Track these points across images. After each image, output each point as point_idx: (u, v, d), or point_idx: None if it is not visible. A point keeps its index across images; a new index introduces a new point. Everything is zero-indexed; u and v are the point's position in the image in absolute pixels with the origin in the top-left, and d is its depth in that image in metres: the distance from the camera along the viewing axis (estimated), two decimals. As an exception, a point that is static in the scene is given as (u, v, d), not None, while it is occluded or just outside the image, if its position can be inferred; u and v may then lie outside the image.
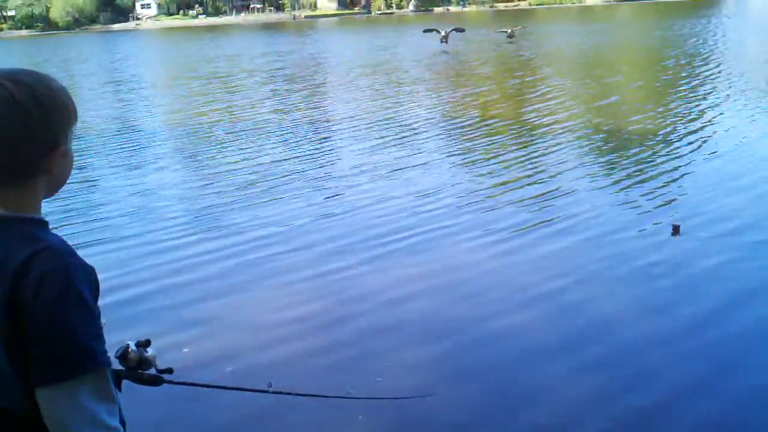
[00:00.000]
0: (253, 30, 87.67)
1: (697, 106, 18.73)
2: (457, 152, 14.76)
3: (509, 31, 39.59)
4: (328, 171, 13.56)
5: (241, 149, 15.98)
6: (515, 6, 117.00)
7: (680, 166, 12.52)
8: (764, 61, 27.92)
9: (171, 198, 12.12)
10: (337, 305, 7.64)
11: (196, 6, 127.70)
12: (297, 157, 14.89)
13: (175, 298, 7.91)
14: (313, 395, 5.19)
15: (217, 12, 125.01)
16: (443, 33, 34.71)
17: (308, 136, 17.29)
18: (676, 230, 9.16)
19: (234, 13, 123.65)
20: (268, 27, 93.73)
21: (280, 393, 4.57)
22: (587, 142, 15.06)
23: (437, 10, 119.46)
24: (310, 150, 15.63)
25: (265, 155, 15.12)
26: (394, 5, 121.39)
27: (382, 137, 16.43)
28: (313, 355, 6.60)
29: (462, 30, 38.30)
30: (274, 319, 7.40)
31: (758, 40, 39.16)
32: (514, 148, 14.81)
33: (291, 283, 8.22)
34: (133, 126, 20.36)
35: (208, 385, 4.00)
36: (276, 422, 5.57)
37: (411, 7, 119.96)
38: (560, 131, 16.14)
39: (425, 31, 39.52)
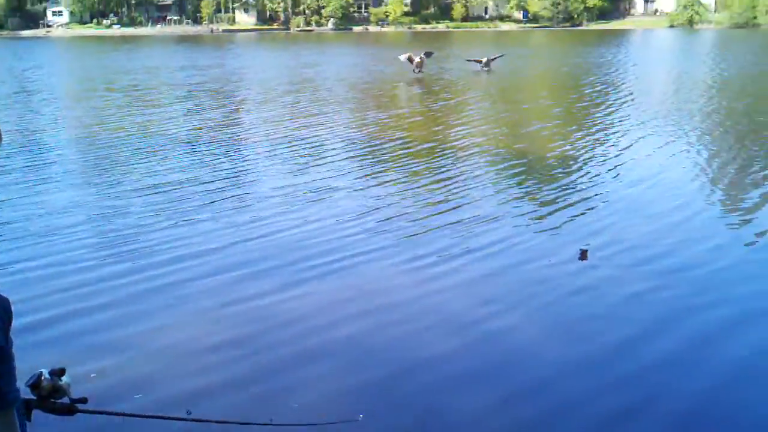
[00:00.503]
0: (170, 42, 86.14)
1: (611, 133, 19.34)
2: (379, 175, 14.72)
3: (484, 60, 35.93)
4: (250, 191, 13.32)
5: (159, 167, 15.54)
6: (433, 28, 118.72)
7: (597, 193, 12.85)
8: (673, 91, 29.21)
9: (82, 217, 11.62)
10: (257, 331, 7.49)
11: (111, 15, 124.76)
12: (217, 176, 14.58)
13: (89, 324, 7.59)
14: (233, 422, 4.99)
15: (132, 23, 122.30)
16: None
17: (229, 155, 17.00)
18: (583, 255, 9.42)
19: (150, 24, 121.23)
20: (186, 40, 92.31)
21: (199, 421, 4.48)
22: (507, 168, 15.25)
23: (356, 29, 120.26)
24: (231, 169, 15.36)
25: (184, 173, 14.74)
26: (313, 23, 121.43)
27: (305, 157, 16.33)
28: (233, 382, 6.46)
29: (431, 53, 36.25)
30: (193, 346, 7.19)
31: (665, 69, 40.95)
32: (435, 171, 14.89)
33: (209, 309, 8.00)
34: (42, 140, 19.55)
35: (124, 414, 3.86)
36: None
37: (330, 25, 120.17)
38: (480, 156, 16.37)
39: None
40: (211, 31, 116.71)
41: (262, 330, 7.54)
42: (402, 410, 6.05)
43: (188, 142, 18.56)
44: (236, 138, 19.40)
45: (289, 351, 7.00)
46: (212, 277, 8.91)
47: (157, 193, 13.09)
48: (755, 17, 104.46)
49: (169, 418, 4.02)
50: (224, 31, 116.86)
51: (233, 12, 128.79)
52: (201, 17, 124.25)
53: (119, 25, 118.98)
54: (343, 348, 7.11)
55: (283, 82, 35.06)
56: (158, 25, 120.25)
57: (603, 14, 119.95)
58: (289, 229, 10.84)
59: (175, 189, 13.39)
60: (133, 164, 15.92)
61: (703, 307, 7.90)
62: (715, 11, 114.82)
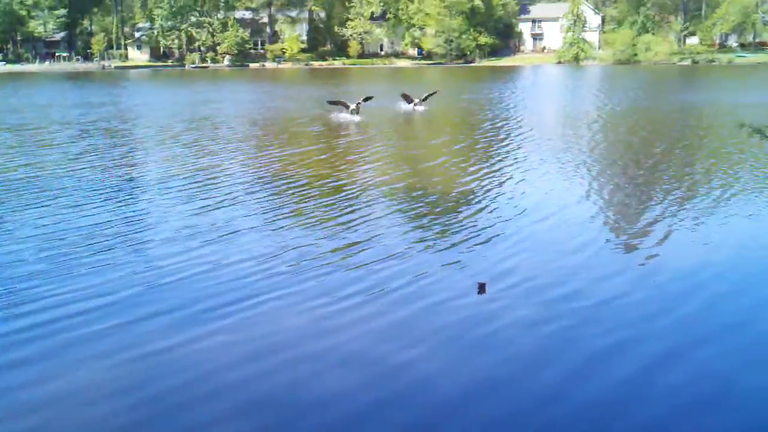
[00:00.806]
0: (60, 79, 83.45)
1: (509, 167, 19.86)
2: (289, 214, 14.53)
3: (416, 100, 34.72)
4: (154, 234, 12.88)
5: (53, 211, 14.79)
6: (329, 65, 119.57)
7: (495, 228, 13.11)
8: (565, 125, 30.28)
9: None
10: (154, 377, 7.36)
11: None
12: (119, 219, 14.07)
13: None
14: None
15: (19, 59, 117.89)
16: (353, 106, 30.11)
17: (132, 196, 16.47)
18: (482, 289, 9.72)
19: (38, 60, 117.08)
20: (77, 77, 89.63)
21: None
22: (409, 204, 15.35)
23: (253, 65, 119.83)
24: (133, 211, 14.85)
25: (84, 217, 14.14)
26: (209, 59, 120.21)
27: (211, 197, 15.98)
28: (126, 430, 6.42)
29: (370, 98, 33.18)
30: (85, 396, 7.01)
31: (557, 103, 42.56)
32: (338, 209, 14.85)
33: (115, 365, 7.67)
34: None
35: None
36: None
37: (226, 62, 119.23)
38: (384, 193, 16.45)
39: (330, 102, 33.84)
40: (103, 67, 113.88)
41: (160, 376, 7.41)
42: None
43: (84, 184, 17.79)
44: (139, 178, 18.88)
45: (187, 397, 6.96)
46: (118, 327, 8.59)
47: (56, 238, 12.51)
48: (636, 54, 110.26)
49: None
50: (116, 67, 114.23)
51: (125, 48, 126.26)
52: (92, 54, 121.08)
53: (5, 62, 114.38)
54: (243, 391, 7.08)
55: (182, 120, 34.33)
56: (46, 62, 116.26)
57: (494, 51, 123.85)
58: (199, 274, 10.59)
59: (77, 233, 12.86)
60: (28, 208, 15.13)
61: (593, 336, 8.34)
62: (599, 48, 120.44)
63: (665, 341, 8.17)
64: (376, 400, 6.95)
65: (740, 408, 6.87)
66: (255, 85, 68.22)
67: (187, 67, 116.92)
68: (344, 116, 27.61)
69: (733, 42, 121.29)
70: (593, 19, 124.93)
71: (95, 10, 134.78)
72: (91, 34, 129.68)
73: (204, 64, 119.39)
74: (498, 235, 12.54)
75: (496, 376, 7.43)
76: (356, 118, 27.04)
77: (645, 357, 7.78)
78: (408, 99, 30.20)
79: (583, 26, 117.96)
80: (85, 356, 7.84)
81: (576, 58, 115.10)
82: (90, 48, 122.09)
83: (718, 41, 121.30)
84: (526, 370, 7.58)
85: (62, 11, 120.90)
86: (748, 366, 7.65)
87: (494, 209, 14.66)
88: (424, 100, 27.16)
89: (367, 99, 28.44)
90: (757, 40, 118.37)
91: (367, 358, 7.85)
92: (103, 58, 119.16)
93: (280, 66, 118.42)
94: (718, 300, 9.53)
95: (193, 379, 7.32)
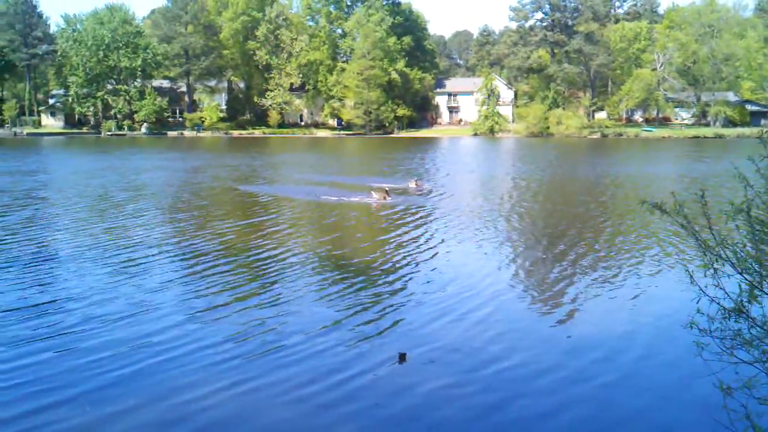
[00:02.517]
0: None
1: (426, 237, 20.19)
2: (198, 287, 14.33)
3: (413, 185, 33.59)
4: (56, 307, 12.56)
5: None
6: (249, 134, 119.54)
7: (415, 298, 13.37)
8: (482, 193, 30.85)
9: None
10: None
11: None
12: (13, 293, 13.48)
13: None
14: None
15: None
16: (388, 197, 27.75)
17: (31, 268, 15.82)
18: (402, 358, 9.95)
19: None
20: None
21: None
22: (328, 277, 15.32)
23: (171, 133, 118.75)
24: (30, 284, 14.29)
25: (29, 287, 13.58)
26: (126, 127, 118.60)
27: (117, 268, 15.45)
28: None
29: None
30: None
31: (473, 173, 43.42)
32: (256, 280, 14.78)
33: None
34: None
35: None
36: None
37: (144, 130, 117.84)
38: (303, 266, 16.32)
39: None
40: (15, 134, 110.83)
41: None
42: None
43: (25, 255, 17.22)
44: (69, 250, 18.18)
45: None
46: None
47: None
48: (548, 127, 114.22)
49: None
50: (29, 134, 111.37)
51: (39, 115, 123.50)
52: (3, 120, 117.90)
53: None
54: None
55: (120, 188, 33.49)
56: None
57: (412, 123, 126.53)
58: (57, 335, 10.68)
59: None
60: None
61: (498, 403, 8.68)
62: (513, 122, 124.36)
63: (535, 400, 8.69)
64: None
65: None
66: (181, 153, 67.31)
67: (103, 135, 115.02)
68: (376, 198, 27.62)
69: (639, 117, 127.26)
70: (506, 94, 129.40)
71: (7, 76, 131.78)
72: (2, 100, 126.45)
73: (121, 132, 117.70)
74: (416, 305, 12.79)
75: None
76: (388, 201, 27.07)
77: (517, 414, 8.31)
78: (377, 190, 29.43)
79: (497, 100, 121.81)
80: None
81: (491, 131, 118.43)
82: (1, 114, 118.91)
83: (625, 116, 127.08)
84: (410, 424, 7.95)
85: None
86: (608, 426, 8.17)
87: (413, 279, 14.89)
88: (387, 193, 27.47)
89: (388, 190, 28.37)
90: (660, 115, 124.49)
91: (277, 426, 7.96)
92: (14, 125, 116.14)
93: (199, 134, 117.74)
94: (587, 364, 9.99)
95: None
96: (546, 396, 8.81)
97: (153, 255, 17.09)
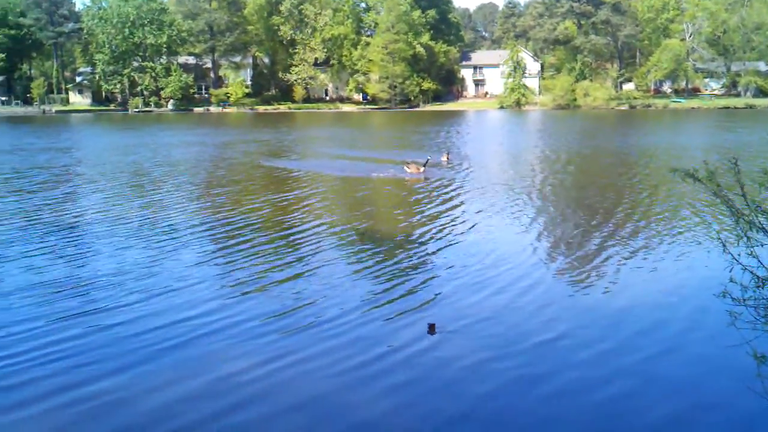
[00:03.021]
0: (4, 123, 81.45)
1: (454, 209, 20.27)
2: (234, 257, 14.51)
3: (445, 158, 33.30)
4: (88, 274, 12.80)
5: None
6: (275, 109, 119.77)
7: (444, 269, 13.41)
8: (509, 166, 30.80)
9: None
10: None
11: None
12: (51, 266, 13.89)
13: None
14: None
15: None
16: (422, 168, 27.82)
17: (71, 240, 16.24)
18: (431, 329, 9.92)
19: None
20: (19, 121, 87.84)
21: None
22: (356, 250, 15.44)
23: (197, 110, 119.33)
24: (70, 254, 14.69)
25: (28, 258, 13.99)
26: (152, 103, 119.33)
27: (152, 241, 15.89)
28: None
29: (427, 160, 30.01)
30: None
31: (500, 145, 43.38)
32: (286, 255, 14.90)
33: (64, 407, 7.74)
34: None
35: None
36: None
37: (170, 106, 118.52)
38: (330, 238, 16.50)
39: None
40: (44, 112, 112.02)
41: (94, 416, 7.55)
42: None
43: (75, 229, 17.66)
44: (80, 221, 18.58)
45: None
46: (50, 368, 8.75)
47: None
48: (575, 99, 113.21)
49: None
50: (57, 112, 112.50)
51: (66, 93, 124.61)
52: (31, 98, 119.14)
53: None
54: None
55: (148, 164, 34.09)
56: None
57: (438, 96, 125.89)
58: (110, 309, 10.92)
59: (8, 276, 13.03)
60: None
61: (539, 376, 8.59)
62: (539, 94, 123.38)
63: (580, 373, 8.57)
64: (304, 429, 7.15)
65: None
66: (211, 129, 67.81)
67: (130, 111, 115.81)
68: (411, 172, 27.75)
69: (667, 88, 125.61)
70: (533, 66, 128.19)
71: (35, 54, 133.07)
72: (30, 78, 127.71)
73: (147, 109, 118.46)
74: (454, 278, 12.78)
75: (424, 405, 7.68)
76: (421, 175, 27.31)
77: (562, 387, 8.17)
78: (411, 164, 29.42)
79: (523, 73, 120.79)
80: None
81: (518, 104, 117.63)
82: (30, 92, 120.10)
83: (653, 87, 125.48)
84: (473, 408, 7.76)
85: (0, 56, 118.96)
86: (656, 399, 7.98)
87: (450, 252, 14.90)
88: (424, 165, 27.63)
89: (426, 162, 28.48)
90: (690, 86, 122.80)
91: (317, 399, 7.96)
92: (43, 103, 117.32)
93: (224, 110, 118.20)
94: (632, 336, 9.91)
95: (126, 409, 7.55)
96: (589, 369, 8.76)
97: (191, 230, 17.36)
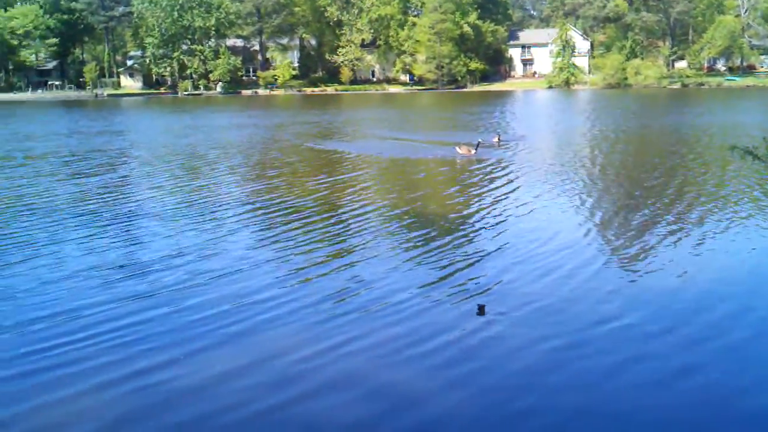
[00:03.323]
0: (59, 107, 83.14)
1: (503, 189, 20.17)
2: (285, 238, 14.49)
3: (497, 140, 32.74)
4: (145, 255, 12.99)
5: (58, 234, 14.83)
6: (322, 91, 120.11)
7: (493, 250, 13.29)
8: (559, 146, 30.36)
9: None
10: (155, 404, 7.45)
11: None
12: (111, 239, 14.14)
13: None
14: None
15: (11, 87, 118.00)
16: (473, 150, 27.70)
17: (132, 217, 16.38)
18: (481, 310, 9.79)
19: (30, 89, 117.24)
20: (72, 105, 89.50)
21: None
22: (407, 229, 15.39)
23: (245, 92, 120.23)
24: (126, 231, 14.85)
25: (85, 238, 14.21)
26: (201, 86, 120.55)
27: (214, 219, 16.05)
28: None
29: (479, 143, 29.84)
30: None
31: (550, 126, 42.87)
32: (336, 234, 15.04)
33: (114, 384, 7.87)
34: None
35: None
36: None
37: (219, 89, 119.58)
38: (381, 219, 16.50)
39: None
40: (96, 95, 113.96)
41: (159, 395, 7.63)
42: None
43: (135, 209, 18.01)
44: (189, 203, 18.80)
45: (186, 414, 7.15)
46: (101, 348, 8.86)
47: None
48: (626, 78, 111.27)
49: None
50: (109, 95, 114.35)
51: (118, 77, 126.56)
52: (84, 82, 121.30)
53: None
54: (237, 408, 7.24)
55: (204, 146, 34.53)
56: (39, 91, 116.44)
57: (485, 77, 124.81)
58: (171, 289, 11.08)
59: (55, 254, 13.36)
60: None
61: (590, 355, 8.46)
62: (589, 73, 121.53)
63: (662, 362, 8.23)
64: (371, 419, 7.06)
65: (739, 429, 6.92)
66: (256, 111, 68.30)
67: (180, 95, 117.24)
68: (462, 153, 27.78)
69: (721, 65, 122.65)
70: (582, 45, 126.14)
71: (87, 39, 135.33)
72: (83, 62, 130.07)
73: (197, 92, 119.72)
74: (517, 262, 12.54)
75: (492, 396, 7.54)
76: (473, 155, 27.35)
77: (642, 377, 7.86)
78: (463, 146, 29.30)
79: (573, 51, 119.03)
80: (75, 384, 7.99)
81: (567, 83, 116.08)
82: (82, 76, 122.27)
83: (706, 65, 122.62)
84: (522, 389, 7.67)
85: (53, 40, 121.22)
86: (747, 387, 7.72)
87: (495, 233, 14.78)
88: (476, 147, 27.64)
89: (478, 144, 28.57)
90: (745, 64, 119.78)
91: (367, 378, 7.95)
92: (95, 86, 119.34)
93: (272, 92, 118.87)
94: (715, 321, 9.58)
95: (192, 396, 7.52)
96: (671, 356, 8.39)
97: (247, 212, 17.43)
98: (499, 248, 13.53)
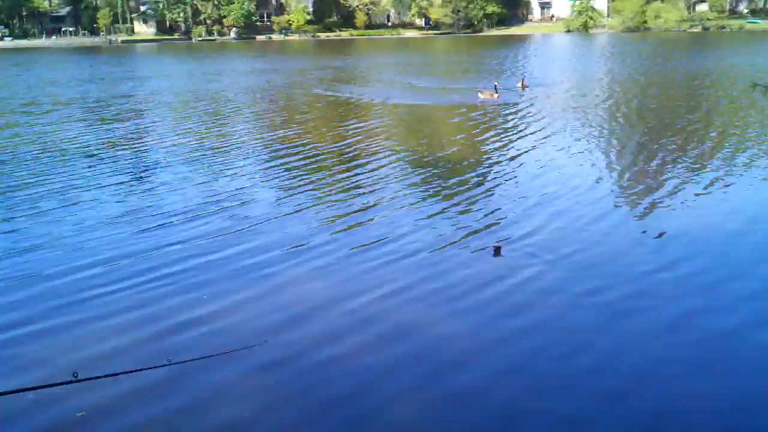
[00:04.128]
0: (75, 54, 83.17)
1: (518, 132, 20.24)
2: (298, 180, 14.86)
3: (520, 84, 32.89)
4: (171, 202, 13.36)
5: (72, 180, 15.21)
6: (337, 36, 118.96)
7: (508, 191, 13.46)
8: (575, 89, 30.21)
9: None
10: (194, 347, 7.44)
11: (1, 27, 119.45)
12: (137, 187, 14.44)
13: None
14: (123, 373, 4.91)
15: (25, 34, 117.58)
16: (496, 94, 27.94)
17: (159, 165, 16.73)
18: (497, 251, 9.88)
19: (44, 36, 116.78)
20: (84, 51, 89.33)
21: (88, 380, 4.26)
22: (421, 172, 15.54)
23: (259, 38, 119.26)
24: (152, 180, 15.16)
25: (107, 184, 14.65)
26: (215, 32, 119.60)
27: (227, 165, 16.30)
28: (122, 334, 7.35)
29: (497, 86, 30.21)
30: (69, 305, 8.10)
31: (567, 69, 42.48)
32: (351, 178, 15.20)
33: (137, 322, 8.10)
34: None
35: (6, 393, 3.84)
36: (88, 410, 5.88)
37: (233, 35, 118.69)
38: (396, 162, 16.68)
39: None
40: (110, 42, 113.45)
41: (167, 329, 7.83)
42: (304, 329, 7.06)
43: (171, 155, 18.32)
44: (161, 148, 19.10)
45: (216, 361, 6.82)
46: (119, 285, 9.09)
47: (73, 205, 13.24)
48: (645, 22, 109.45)
49: (55, 385, 4.08)
50: (123, 41, 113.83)
51: (131, 22, 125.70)
52: (98, 28, 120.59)
53: (11, 37, 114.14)
54: (264, 352, 7.13)
55: (233, 91, 34.60)
56: (53, 37, 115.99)
57: (502, 20, 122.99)
58: (208, 237, 11.10)
59: (93, 200, 13.58)
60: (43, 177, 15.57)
61: (602, 289, 8.61)
62: (608, 16, 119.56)
63: (677, 306, 8.19)
64: (393, 358, 7.11)
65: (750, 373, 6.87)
66: (273, 57, 68.03)
67: (194, 41, 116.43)
68: (484, 98, 27.82)
69: (743, 8, 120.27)
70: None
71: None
72: (96, 8, 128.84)
73: (210, 37, 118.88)
74: (514, 201, 12.72)
75: (510, 334, 7.60)
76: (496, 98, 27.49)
77: (656, 321, 7.84)
78: (484, 91, 29.30)
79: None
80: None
81: (585, 27, 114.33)
82: (96, 22, 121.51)
83: (728, 7, 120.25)
84: (538, 328, 7.73)
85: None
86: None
87: (512, 176, 14.87)
88: (496, 91, 27.81)
89: (496, 87, 28.77)
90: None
91: (386, 319, 8.00)
92: (109, 33, 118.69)
93: (287, 38, 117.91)
94: (737, 265, 9.51)
95: (222, 341, 7.44)
96: (707, 299, 8.38)
97: (274, 159, 17.68)
98: (518, 191, 13.61)
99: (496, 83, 30.23)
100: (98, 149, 19.44)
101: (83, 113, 28.17)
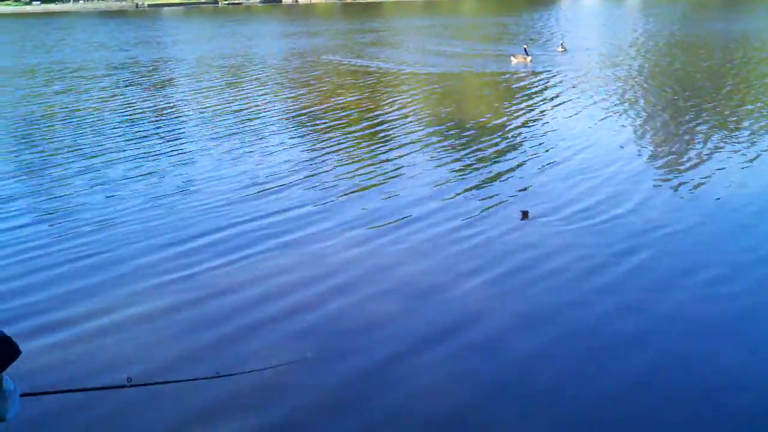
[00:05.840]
0: (107, 18, 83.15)
1: (545, 98, 20.19)
2: (321, 146, 15.22)
3: (560, 47, 33.03)
4: (190, 170, 13.58)
5: (98, 147, 15.86)
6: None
7: (535, 157, 13.53)
8: (604, 55, 30.16)
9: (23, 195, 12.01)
10: (199, 299, 7.76)
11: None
12: (158, 152, 14.98)
13: (27, 304, 7.75)
14: (174, 382, 4.90)
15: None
16: (528, 57, 28.30)
17: (175, 132, 17.25)
18: (525, 215, 10.00)
19: (71, 0, 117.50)
20: (113, 15, 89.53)
21: (141, 385, 4.03)
22: (447, 137, 15.68)
23: (285, 1, 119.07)
24: (173, 144, 15.74)
25: (132, 149, 15.28)
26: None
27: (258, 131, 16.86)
28: (173, 343, 6.81)
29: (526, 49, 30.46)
30: (126, 318, 7.40)
31: (597, 35, 42.59)
32: (378, 142, 15.39)
33: (151, 283, 8.28)
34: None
35: (57, 392, 3.84)
36: (138, 416, 5.63)
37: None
38: (422, 127, 16.79)
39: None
40: (136, 6, 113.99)
41: (205, 297, 7.81)
42: (341, 348, 6.62)
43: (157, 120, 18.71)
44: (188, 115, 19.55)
45: (235, 325, 7.17)
46: (149, 248, 9.33)
47: (95, 171, 13.61)
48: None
49: (106, 388, 4.06)
50: (150, 5, 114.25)
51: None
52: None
53: (39, 2, 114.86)
54: (287, 318, 7.27)
55: (278, 55, 35.21)
56: (80, 1, 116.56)
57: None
58: (232, 204, 11.22)
59: (123, 167, 13.82)
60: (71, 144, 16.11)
61: (631, 251, 8.68)
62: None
63: (709, 269, 8.18)
64: (421, 324, 7.11)
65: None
66: (306, 20, 67.84)
67: (219, 4, 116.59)
68: (518, 62, 28.22)
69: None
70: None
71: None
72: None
73: (237, 1, 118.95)
74: (543, 165, 12.91)
75: (540, 299, 7.56)
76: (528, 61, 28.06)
77: (690, 285, 7.81)
78: (518, 55, 29.75)
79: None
80: (129, 282, 8.32)
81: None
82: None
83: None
84: (570, 291, 7.71)
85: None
86: None
87: (540, 141, 14.90)
88: (528, 55, 28.17)
89: (526, 51, 29.27)
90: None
91: (413, 285, 8.02)
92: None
93: (313, 1, 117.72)
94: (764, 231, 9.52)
95: (238, 305, 7.60)
96: (670, 257, 8.48)
97: (296, 124, 17.98)
98: (546, 155, 13.77)
99: (525, 46, 30.65)
100: (155, 115, 19.70)
101: (138, 77, 28.68)
